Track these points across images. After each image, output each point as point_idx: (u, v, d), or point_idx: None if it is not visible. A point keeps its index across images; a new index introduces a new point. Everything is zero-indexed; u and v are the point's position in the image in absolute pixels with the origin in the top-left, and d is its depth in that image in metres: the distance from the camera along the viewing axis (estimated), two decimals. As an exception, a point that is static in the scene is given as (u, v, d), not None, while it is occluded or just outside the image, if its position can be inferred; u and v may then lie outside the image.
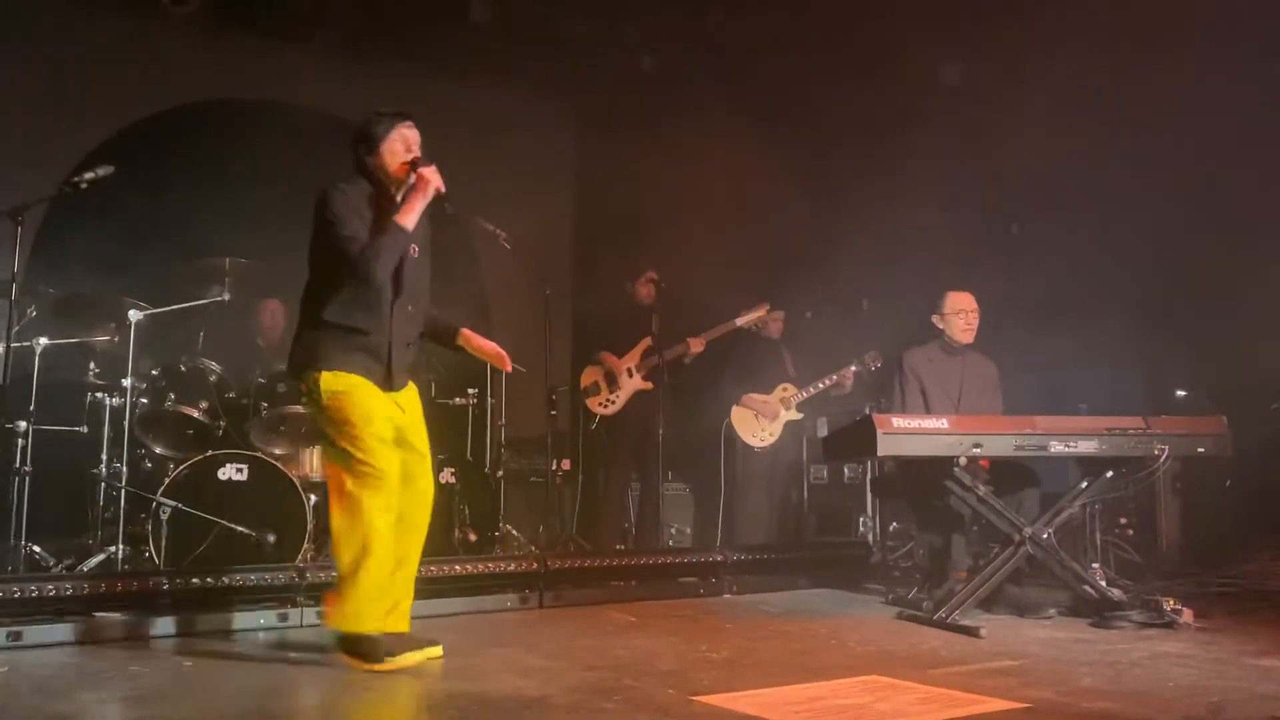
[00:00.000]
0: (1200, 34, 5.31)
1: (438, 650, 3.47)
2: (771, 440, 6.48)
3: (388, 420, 3.44)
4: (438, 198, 3.46)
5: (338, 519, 3.36)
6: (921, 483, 4.70)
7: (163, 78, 7.00)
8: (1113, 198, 5.82)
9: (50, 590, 3.88)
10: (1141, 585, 4.87)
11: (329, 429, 3.43)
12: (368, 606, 3.34)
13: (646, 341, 6.34)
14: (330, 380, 3.37)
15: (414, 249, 3.52)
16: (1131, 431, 4.35)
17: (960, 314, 5.03)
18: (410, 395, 3.61)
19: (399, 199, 3.50)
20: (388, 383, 3.46)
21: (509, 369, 3.74)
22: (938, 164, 6.25)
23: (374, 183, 3.51)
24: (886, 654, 3.68)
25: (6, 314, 4.59)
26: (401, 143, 3.49)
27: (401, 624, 3.50)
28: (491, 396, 6.42)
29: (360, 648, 3.32)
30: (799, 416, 6.56)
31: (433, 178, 3.43)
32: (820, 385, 6.43)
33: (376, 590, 3.36)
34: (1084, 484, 4.53)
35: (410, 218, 3.41)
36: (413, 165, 3.46)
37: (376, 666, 3.29)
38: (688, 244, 7.07)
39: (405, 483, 3.46)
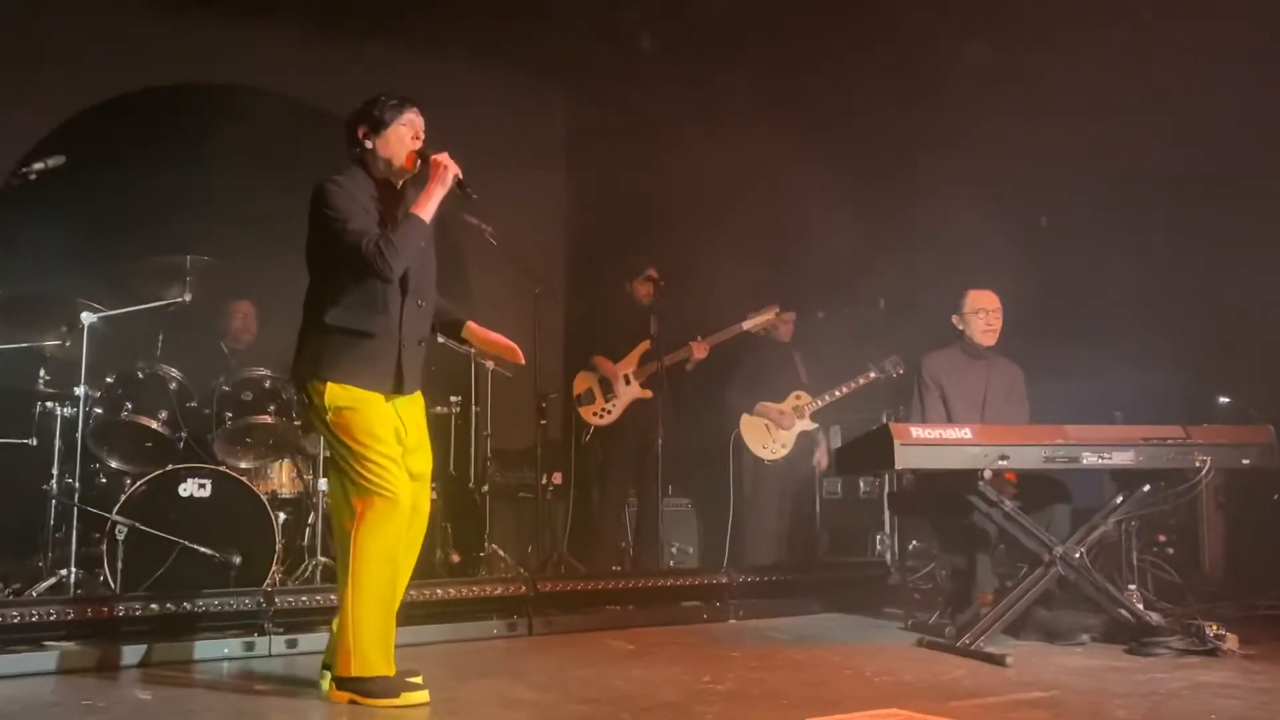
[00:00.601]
0: (1255, 11, 5.32)
1: (418, 680, 3.47)
2: (784, 452, 6.48)
3: (395, 437, 3.44)
4: (457, 185, 3.46)
5: (343, 547, 3.36)
6: (943, 498, 4.70)
7: (120, 59, 6.99)
8: (1149, 188, 5.82)
9: (-4, 617, 3.87)
10: (1182, 609, 4.87)
11: (333, 446, 3.43)
12: (378, 646, 3.33)
13: (645, 345, 6.33)
14: (336, 394, 3.36)
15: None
16: (1171, 441, 4.35)
17: (980, 313, 5.03)
18: (415, 409, 3.60)
19: (399, 187, 3.52)
20: (398, 388, 3.46)
21: (521, 360, 3.74)
22: (961, 151, 6.25)
23: (372, 173, 3.51)
24: (905, 685, 3.68)
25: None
26: (410, 129, 3.49)
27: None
28: (476, 404, 6.41)
29: (370, 687, 3.31)
30: (814, 426, 6.56)
31: (450, 164, 3.44)
32: (838, 393, 6.43)
33: (386, 628, 3.37)
34: (1119, 499, 4.53)
35: (428, 208, 3.41)
36: (420, 154, 3.47)
37: (393, 702, 3.29)
38: (690, 239, 7.07)
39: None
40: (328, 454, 4.69)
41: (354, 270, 3.36)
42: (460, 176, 3.46)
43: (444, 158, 3.45)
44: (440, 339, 3.97)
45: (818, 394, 6.48)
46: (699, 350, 6.33)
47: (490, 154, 7.48)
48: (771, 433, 6.47)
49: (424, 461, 3.59)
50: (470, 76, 7.94)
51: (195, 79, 7.18)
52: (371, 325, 3.41)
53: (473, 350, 3.85)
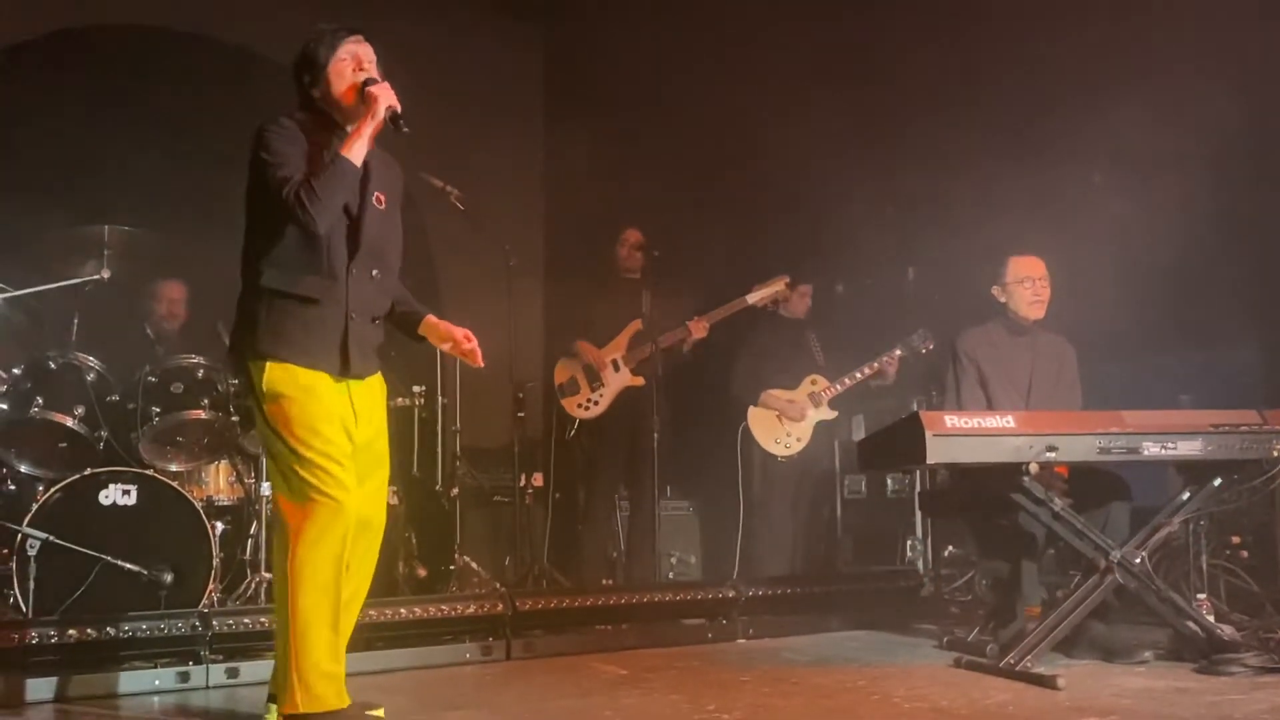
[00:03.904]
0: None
1: (379, 713, 3.46)
2: (800, 446, 6.47)
3: (343, 432, 3.40)
4: (392, 119, 3.43)
5: (280, 563, 3.33)
6: (983, 497, 4.69)
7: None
8: (1220, 135, 5.79)
9: (-111, 647, 3.87)
10: (1259, 621, 4.87)
11: (267, 441, 3.41)
12: (327, 677, 3.30)
13: (636, 325, 6.33)
14: (276, 377, 3.33)
15: (379, 197, 3.50)
16: (1245, 428, 4.34)
17: (1025, 283, 5.03)
18: (372, 396, 3.56)
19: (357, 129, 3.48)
20: (345, 369, 3.42)
21: (479, 363, 3.70)
22: (1000, 97, 6.22)
23: (323, 117, 3.49)
24: (941, 711, 3.68)
25: None
26: (351, 62, 3.46)
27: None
28: (443, 396, 6.41)
29: None
30: (832, 415, 6.55)
31: (383, 94, 3.41)
32: (858, 375, 6.42)
33: (335, 655, 3.34)
34: (1185, 495, 4.53)
35: (357, 147, 3.39)
36: (363, 86, 3.43)
37: None
38: (686, 200, 7.05)
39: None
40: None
41: (289, 224, 3.33)
42: (396, 108, 3.42)
43: (380, 88, 3.42)
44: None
45: (835, 378, 6.46)
46: (697, 329, 6.31)
47: (458, 106, 7.53)
48: (783, 424, 6.45)
49: (379, 461, 3.56)
50: (432, 14, 7.90)
51: (115, 20, 7.12)
52: (313, 289, 3.38)
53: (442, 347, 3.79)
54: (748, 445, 6.46)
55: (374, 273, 3.50)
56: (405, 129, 3.45)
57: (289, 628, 3.28)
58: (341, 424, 3.40)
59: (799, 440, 6.47)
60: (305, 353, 3.35)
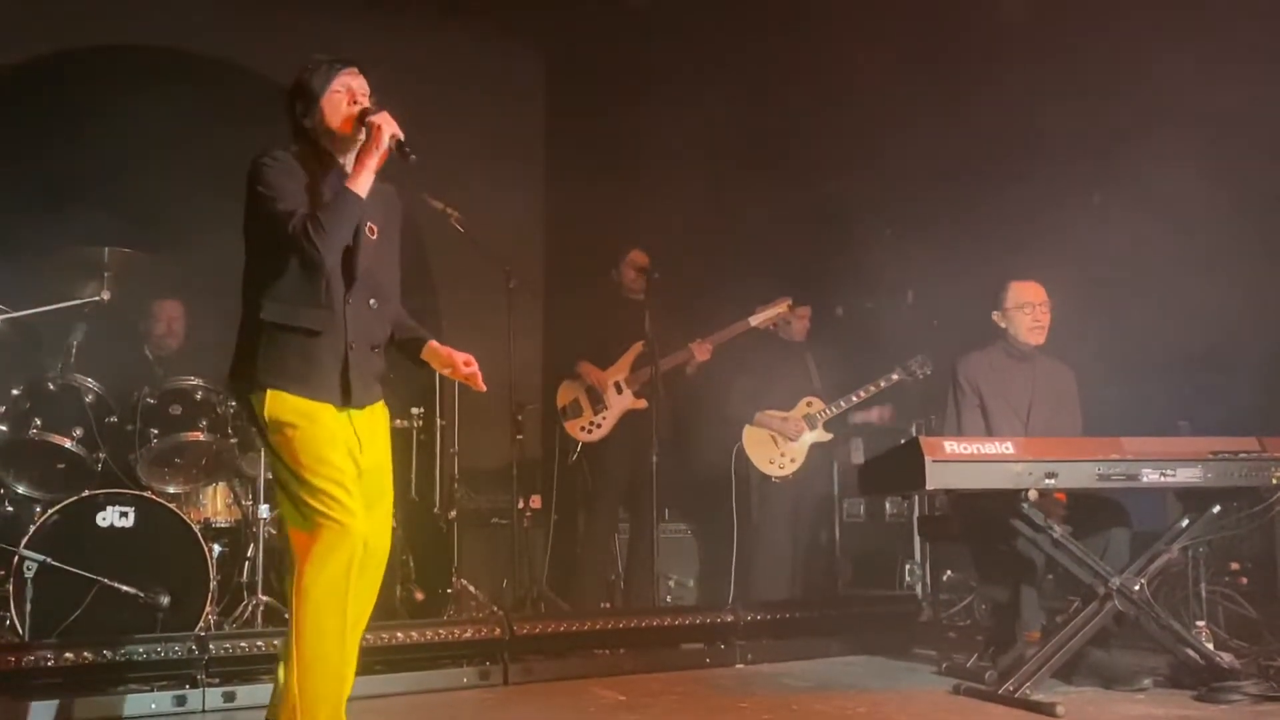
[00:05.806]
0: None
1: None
2: (793, 468, 6.47)
3: (348, 457, 3.41)
4: (398, 148, 3.43)
5: (287, 589, 3.33)
6: (982, 522, 4.71)
7: (26, 17, 6.96)
8: (1220, 153, 5.80)
9: (-116, 670, 3.87)
10: (1258, 648, 4.87)
11: (275, 470, 3.42)
12: (327, 702, 3.29)
13: (638, 347, 6.33)
14: (277, 405, 3.34)
15: (371, 228, 3.49)
16: (1244, 456, 4.35)
17: (1026, 308, 5.04)
18: (375, 424, 3.57)
19: (348, 164, 3.49)
20: (346, 399, 3.43)
21: (481, 388, 3.70)
22: (1001, 119, 6.24)
23: (316, 148, 3.50)
24: (940, 739, 3.69)
25: None
26: (345, 94, 3.47)
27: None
28: (442, 417, 6.40)
29: None
30: (828, 437, 6.55)
31: (386, 124, 3.41)
32: (855, 398, 6.42)
33: (336, 680, 3.33)
34: (1185, 522, 4.54)
35: (362, 180, 3.40)
36: (361, 117, 3.44)
37: None
38: (688, 223, 7.06)
39: None
40: (269, 477, 4.67)
41: (289, 257, 3.35)
42: (400, 137, 3.43)
43: (381, 118, 3.42)
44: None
45: (832, 400, 6.47)
46: (701, 352, 6.31)
47: (457, 127, 7.53)
48: (778, 445, 6.45)
49: (383, 489, 3.56)
50: (433, 37, 7.94)
51: (116, 41, 7.15)
52: (312, 321, 3.38)
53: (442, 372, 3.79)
54: (742, 466, 6.45)
55: (371, 302, 3.51)
56: (411, 156, 3.45)
57: (293, 652, 3.29)
58: (347, 449, 3.40)
59: (793, 461, 6.46)
60: (306, 384, 3.36)
